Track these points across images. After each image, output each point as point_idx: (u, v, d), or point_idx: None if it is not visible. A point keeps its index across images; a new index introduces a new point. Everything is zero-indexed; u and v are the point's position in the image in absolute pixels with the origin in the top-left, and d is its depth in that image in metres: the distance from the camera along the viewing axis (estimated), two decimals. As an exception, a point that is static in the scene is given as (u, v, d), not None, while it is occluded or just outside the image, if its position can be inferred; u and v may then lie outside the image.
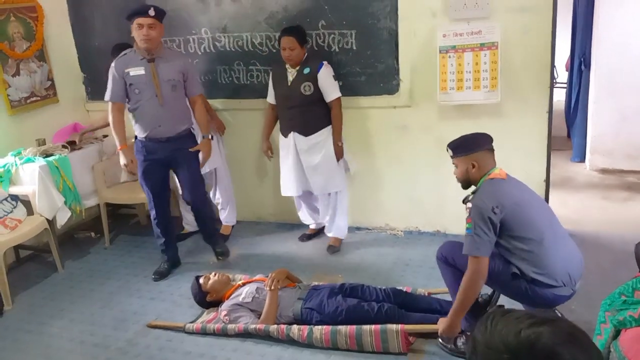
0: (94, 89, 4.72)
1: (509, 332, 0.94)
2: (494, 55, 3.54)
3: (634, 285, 2.06)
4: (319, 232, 4.20)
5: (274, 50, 4.05)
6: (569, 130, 6.01)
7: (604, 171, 5.14)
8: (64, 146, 4.12)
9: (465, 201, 2.58)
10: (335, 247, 3.98)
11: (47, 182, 3.80)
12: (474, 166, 2.56)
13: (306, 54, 3.73)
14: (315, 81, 3.66)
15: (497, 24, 3.50)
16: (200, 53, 4.27)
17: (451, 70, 3.63)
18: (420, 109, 3.85)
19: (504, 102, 3.62)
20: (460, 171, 2.62)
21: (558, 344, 0.90)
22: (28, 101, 4.29)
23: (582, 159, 5.37)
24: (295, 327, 2.91)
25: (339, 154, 3.80)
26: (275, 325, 2.94)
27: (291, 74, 3.72)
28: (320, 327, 2.87)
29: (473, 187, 2.64)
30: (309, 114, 3.72)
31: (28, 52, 4.27)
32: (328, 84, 3.69)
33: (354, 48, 3.87)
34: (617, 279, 3.03)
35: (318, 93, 3.69)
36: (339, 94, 3.72)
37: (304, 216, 4.21)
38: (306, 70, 3.68)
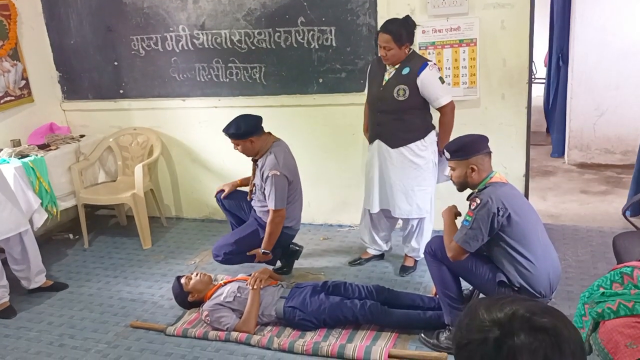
0: (70, 88, 4.65)
1: (493, 311, 1.01)
2: (472, 52, 3.55)
3: (612, 278, 2.09)
4: (372, 258, 3.69)
5: (253, 48, 4.02)
6: (548, 125, 6.08)
7: (583, 165, 5.20)
8: (39, 147, 4.04)
9: (470, 197, 2.57)
10: (408, 268, 3.51)
11: (22, 183, 3.72)
12: (473, 170, 2.54)
13: (411, 51, 3.22)
14: (413, 85, 3.11)
15: (475, 20, 3.52)
16: (178, 51, 4.23)
17: (431, 66, 3.63)
18: (400, 105, 3.86)
19: (484, 97, 3.65)
20: (457, 174, 2.59)
21: (537, 313, 0.98)
22: (2, 101, 4.19)
23: (561, 154, 5.43)
24: (275, 339, 2.88)
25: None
26: (257, 337, 2.92)
27: (388, 73, 3.20)
28: (302, 340, 2.85)
29: (469, 191, 2.64)
30: (399, 123, 3.20)
31: (1, 51, 4.17)
32: (433, 88, 3.12)
33: (334, 45, 3.86)
34: (596, 272, 3.06)
35: (415, 100, 3.15)
36: (449, 99, 3.15)
37: (368, 237, 3.62)
38: (405, 71, 3.14)
